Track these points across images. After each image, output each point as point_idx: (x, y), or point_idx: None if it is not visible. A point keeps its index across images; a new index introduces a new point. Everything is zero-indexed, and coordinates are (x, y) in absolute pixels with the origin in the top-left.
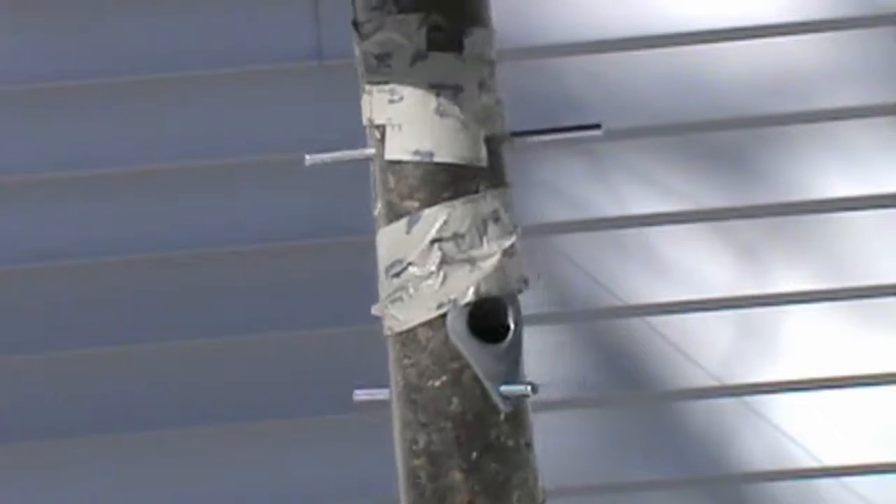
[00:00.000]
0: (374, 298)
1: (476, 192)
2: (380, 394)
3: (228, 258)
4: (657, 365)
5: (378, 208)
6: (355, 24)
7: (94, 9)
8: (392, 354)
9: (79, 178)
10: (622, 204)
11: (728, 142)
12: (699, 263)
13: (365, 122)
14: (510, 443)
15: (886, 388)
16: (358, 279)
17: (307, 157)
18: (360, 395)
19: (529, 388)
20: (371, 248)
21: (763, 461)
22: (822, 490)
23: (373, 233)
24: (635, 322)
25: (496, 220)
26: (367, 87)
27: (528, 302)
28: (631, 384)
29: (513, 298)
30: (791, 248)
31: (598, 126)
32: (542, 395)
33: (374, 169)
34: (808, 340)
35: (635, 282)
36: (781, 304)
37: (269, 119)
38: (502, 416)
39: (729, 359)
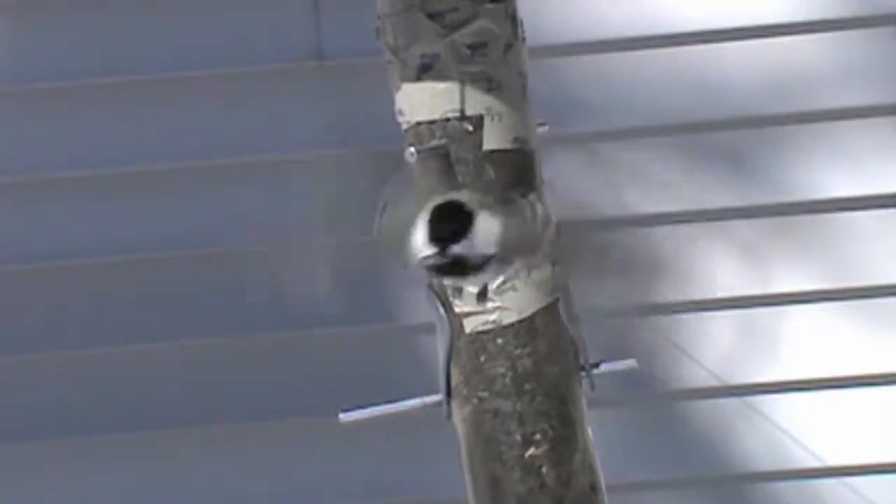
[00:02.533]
0: (376, 298)
1: (544, 179)
2: (366, 413)
3: (228, 258)
4: (657, 365)
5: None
6: (430, 15)
7: (94, 9)
8: (491, 348)
9: (79, 178)
10: (623, 204)
11: (729, 142)
12: (700, 264)
13: (434, 115)
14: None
15: (887, 388)
16: (359, 279)
17: (341, 415)
18: (347, 417)
19: (634, 360)
20: (373, 247)
21: (763, 461)
22: (822, 490)
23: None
24: (635, 322)
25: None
26: (458, 78)
27: None
28: (631, 384)
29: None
30: (792, 248)
31: (542, 124)
32: None
33: (453, 163)
34: (808, 340)
35: (635, 282)
36: (782, 304)
37: (269, 119)
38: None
39: (730, 359)
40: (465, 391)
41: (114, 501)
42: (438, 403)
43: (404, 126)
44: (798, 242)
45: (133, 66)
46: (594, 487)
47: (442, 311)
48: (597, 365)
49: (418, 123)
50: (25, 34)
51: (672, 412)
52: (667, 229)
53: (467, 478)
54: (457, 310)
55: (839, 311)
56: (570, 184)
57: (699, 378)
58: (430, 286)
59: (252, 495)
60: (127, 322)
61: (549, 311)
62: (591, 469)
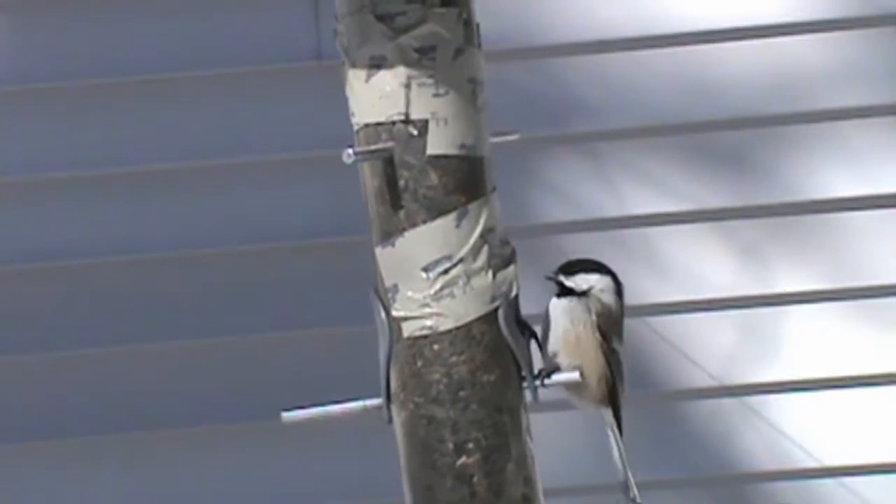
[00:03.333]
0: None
1: (495, 187)
2: (308, 414)
3: (228, 258)
4: (657, 365)
5: (397, 208)
6: (380, 17)
7: (95, 9)
8: (427, 354)
9: (79, 178)
10: (623, 204)
11: (730, 142)
12: (700, 263)
13: (380, 118)
14: (530, 434)
15: (886, 388)
16: (358, 279)
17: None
18: (289, 417)
19: (578, 372)
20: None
21: (763, 461)
22: (822, 490)
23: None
24: (635, 322)
25: (500, 215)
26: (405, 81)
27: (528, 302)
28: (631, 384)
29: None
30: (792, 248)
31: (512, 132)
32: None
33: (397, 167)
34: (808, 340)
35: (636, 282)
36: (782, 304)
37: (269, 119)
38: (527, 407)
39: (730, 359)
40: (402, 396)
41: (114, 501)
42: (380, 407)
43: (355, 127)
44: (799, 242)
45: (133, 66)
46: (527, 499)
47: (382, 314)
48: (540, 376)
49: (366, 125)
50: (25, 34)
51: (672, 412)
52: (667, 229)
53: (404, 482)
54: (394, 314)
55: (839, 311)
56: (570, 183)
57: (699, 378)
58: (375, 290)
59: (252, 495)
60: (127, 322)
61: (488, 319)
62: (525, 481)
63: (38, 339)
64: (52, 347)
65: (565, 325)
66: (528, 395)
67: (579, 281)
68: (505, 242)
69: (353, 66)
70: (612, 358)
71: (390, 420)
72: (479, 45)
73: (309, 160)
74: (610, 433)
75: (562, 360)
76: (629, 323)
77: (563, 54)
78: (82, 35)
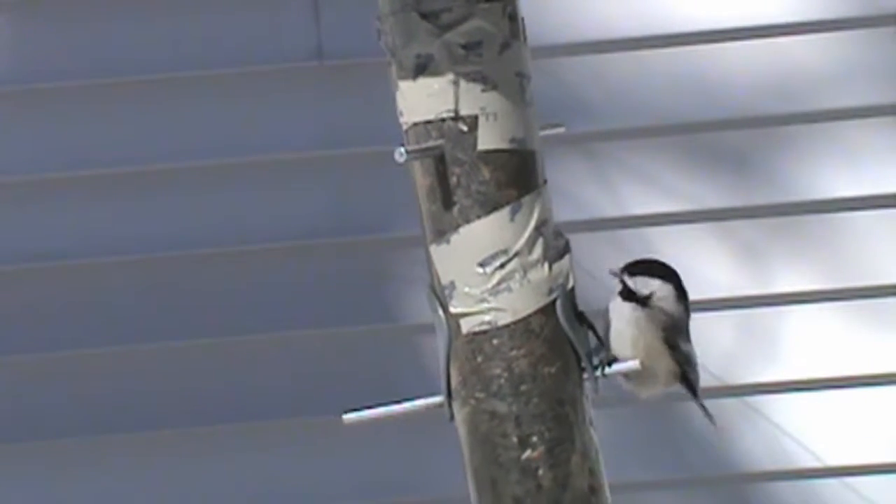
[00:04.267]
0: (375, 298)
1: (546, 179)
2: (370, 415)
3: (228, 258)
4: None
5: (450, 205)
6: (424, 15)
7: (94, 9)
8: (487, 349)
9: (79, 178)
10: (623, 204)
11: (730, 142)
12: (700, 264)
13: (429, 116)
14: (593, 425)
15: (887, 388)
16: (358, 279)
17: (345, 416)
18: (350, 418)
19: (639, 361)
20: (372, 247)
21: (763, 461)
22: (822, 490)
23: (374, 232)
24: None
25: (551, 208)
26: (453, 78)
27: None
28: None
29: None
30: (792, 248)
31: (557, 125)
32: None
33: (448, 163)
34: (808, 340)
35: None
36: (782, 304)
37: (269, 119)
38: (588, 398)
39: (730, 359)
40: (463, 392)
41: (114, 501)
42: (440, 405)
43: (404, 126)
44: (798, 242)
45: (133, 66)
46: (593, 489)
47: (440, 311)
48: (599, 366)
49: (415, 124)
50: (25, 34)
51: (672, 412)
52: (667, 229)
53: (469, 478)
54: (453, 311)
55: (839, 311)
56: (570, 183)
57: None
58: (431, 287)
59: (252, 495)
60: (126, 322)
61: (546, 312)
62: (590, 472)
63: (39, 339)
64: (53, 347)
65: (633, 333)
66: (588, 387)
67: (640, 284)
68: (559, 234)
69: (400, 65)
70: (681, 358)
71: (452, 417)
72: (525, 39)
73: (309, 160)
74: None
75: (628, 357)
76: None
77: (563, 54)
78: (82, 35)
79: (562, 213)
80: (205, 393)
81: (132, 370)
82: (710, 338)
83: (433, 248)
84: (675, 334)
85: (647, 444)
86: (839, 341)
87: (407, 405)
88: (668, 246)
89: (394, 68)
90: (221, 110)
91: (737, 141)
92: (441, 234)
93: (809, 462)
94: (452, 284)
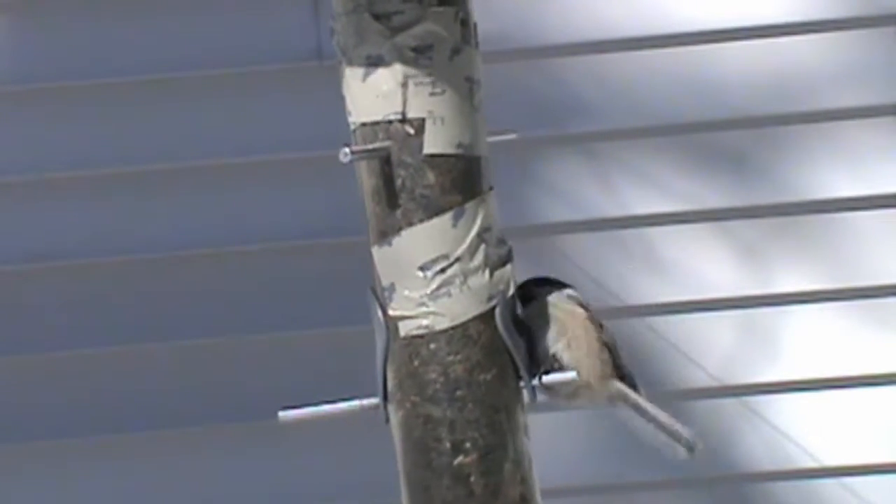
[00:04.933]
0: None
1: (492, 186)
2: (305, 413)
3: (228, 258)
4: (657, 365)
5: (394, 207)
6: (376, 16)
7: (94, 9)
8: (424, 353)
9: (79, 178)
10: (623, 204)
11: (730, 142)
12: (700, 264)
13: (377, 117)
14: (528, 434)
15: (887, 388)
16: (358, 279)
17: (280, 414)
18: (286, 416)
19: (575, 373)
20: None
21: (763, 461)
22: (821, 490)
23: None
24: (636, 322)
25: (497, 215)
26: (402, 80)
27: None
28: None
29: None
30: (792, 248)
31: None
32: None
33: (394, 166)
34: (808, 340)
35: (636, 282)
36: (782, 304)
37: (269, 119)
38: (524, 407)
39: (730, 359)
40: (398, 395)
41: (114, 501)
42: (376, 406)
43: (352, 126)
44: (799, 242)
45: (133, 67)
46: (524, 499)
47: (379, 313)
48: (537, 375)
49: (363, 124)
50: (25, 34)
51: (672, 412)
52: (667, 229)
53: (401, 482)
54: (391, 313)
55: (839, 311)
56: (570, 183)
57: (699, 378)
58: (372, 289)
59: (252, 495)
60: (126, 322)
61: (485, 319)
62: (522, 480)
63: (38, 339)
64: (52, 347)
65: (561, 316)
66: (525, 395)
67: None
68: (502, 242)
69: (350, 65)
70: (613, 350)
71: (387, 419)
72: (477, 45)
73: (309, 160)
74: (632, 408)
75: (562, 355)
76: (630, 323)
77: (563, 54)
78: (82, 35)
79: (562, 213)
80: (205, 393)
81: (132, 370)
82: (710, 338)
83: (375, 250)
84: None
85: (647, 444)
86: (839, 341)
87: (341, 405)
88: (668, 246)
89: (344, 68)
90: (221, 110)
91: (737, 141)
92: (383, 236)
93: (809, 462)
94: (392, 287)
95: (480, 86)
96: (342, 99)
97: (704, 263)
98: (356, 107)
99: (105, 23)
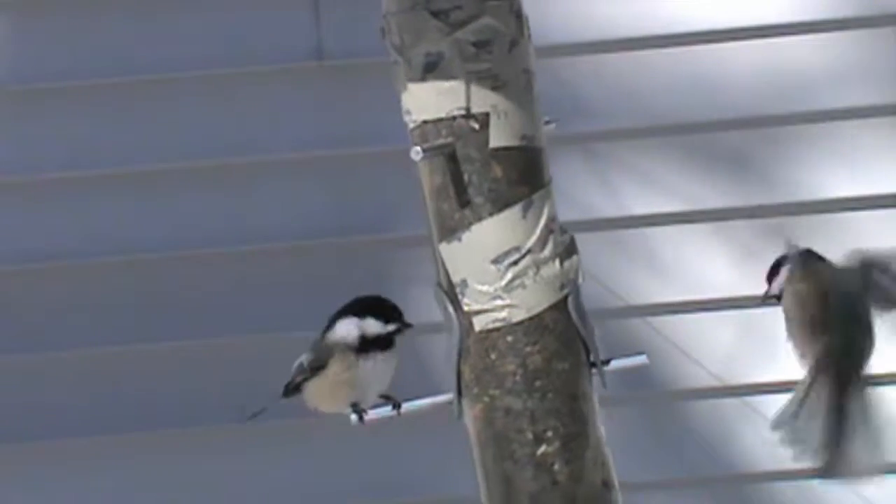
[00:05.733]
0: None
1: (551, 177)
2: (378, 413)
3: (228, 258)
4: (658, 365)
5: (463, 203)
6: (435, 13)
7: (94, 9)
8: (501, 346)
9: (79, 178)
10: (623, 204)
11: (730, 142)
12: (700, 263)
13: (440, 114)
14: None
15: (886, 388)
16: (358, 279)
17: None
18: (369, 416)
19: (644, 356)
20: (372, 247)
21: (763, 461)
22: (822, 490)
23: (374, 232)
24: (636, 322)
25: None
26: (464, 76)
27: None
28: (632, 384)
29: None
30: None
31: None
32: None
33: (460, 161)
34: None
35: (636, 282)
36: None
37: (269, 119)
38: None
39: (730, 359)
40: (475, 389)
41: (114, 501)
42: (449, 402)
43: (410, 125)
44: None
45: (133, 67)
46: (607, 484)
47: (451, 309)
48: (608, 362)
49: (424, 122)
50: (25, 34)
51: (672, 412)
52: (667, 229)
53: (479, 476)
54: (465, 308)
55: None
56: (570, 183)
57: (699, 378)
58: (439, 285)
59: (252, 495)
60: (126, 322)
61: (559, 307)
62: (603, 465)
63: (39, 339)
64: (52, 347)
65: None
66: (596, 382)
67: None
68: (563, 231)
69: (408, 63)
70: None
71: (460, 415)
72: (529, 36)
73: (309, 160)
74: None
75: None
76: (630, 323)
77: (563, 54)
78: (82, 35)
79: (562, 213)
80: (205, 393)
81: (132, 370)
82: (710, 338)
83: (443, 247)
84: None
85: (647, 444)
86: None
87: (414, 404)
88: (668, 246)
89: (400, 67)
90: (221, 110)
91: (736, 141)
92: (452, 233)
93: (809, 462)
94: (465, 282)
95: (536, 77)
96: (343, 99)
97: (704, 263)
98: (416, 104)
99: (105, 23)
